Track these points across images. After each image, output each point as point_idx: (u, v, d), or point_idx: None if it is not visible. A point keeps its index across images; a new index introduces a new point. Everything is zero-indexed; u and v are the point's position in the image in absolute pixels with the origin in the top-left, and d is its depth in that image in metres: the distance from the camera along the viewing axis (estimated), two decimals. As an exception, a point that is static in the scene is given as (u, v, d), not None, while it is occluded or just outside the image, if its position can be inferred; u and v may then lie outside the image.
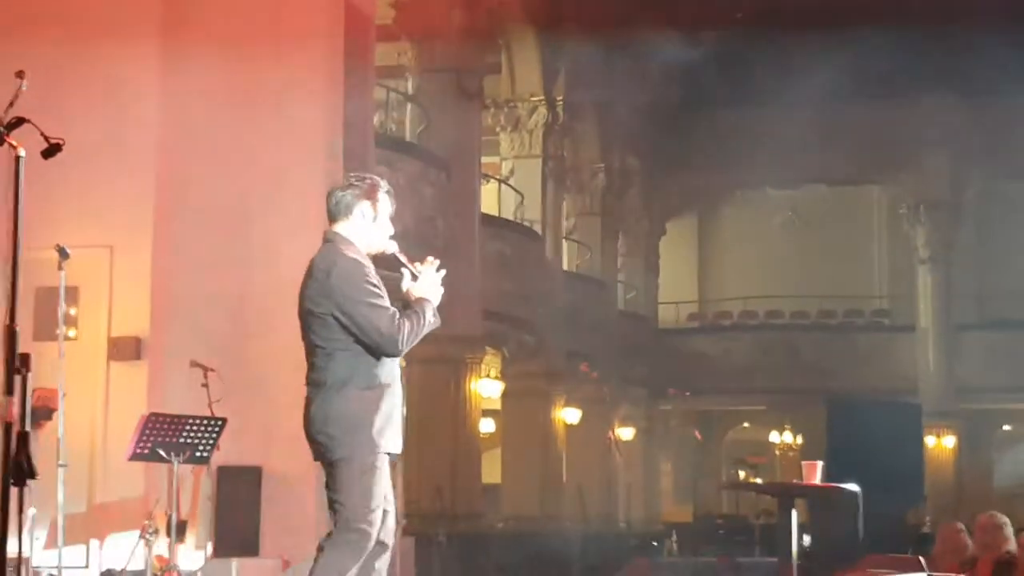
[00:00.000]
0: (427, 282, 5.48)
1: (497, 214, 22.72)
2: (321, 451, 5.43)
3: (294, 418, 11.12)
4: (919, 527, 20.18)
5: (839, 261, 31.88)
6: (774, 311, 31.76)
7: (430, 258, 5.54)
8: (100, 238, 11.08)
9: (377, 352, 5.33)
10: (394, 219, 5.62)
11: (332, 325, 5.34)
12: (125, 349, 11.15)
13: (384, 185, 5.59)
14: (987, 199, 31.15)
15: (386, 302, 5.33)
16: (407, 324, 5.30)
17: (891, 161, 29.84)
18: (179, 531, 9.15)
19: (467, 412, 19.46)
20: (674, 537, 20.51)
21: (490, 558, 16.26)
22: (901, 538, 14.10)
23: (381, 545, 5.41)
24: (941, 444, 29.27)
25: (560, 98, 25.69)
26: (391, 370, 5.44)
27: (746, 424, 33.49)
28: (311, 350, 5.47)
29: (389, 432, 5.38)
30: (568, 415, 24.45)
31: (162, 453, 8.89)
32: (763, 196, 33.17)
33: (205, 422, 9.17)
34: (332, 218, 5.54)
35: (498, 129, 25.67)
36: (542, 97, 25.50)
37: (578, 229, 28.25)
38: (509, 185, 24.46)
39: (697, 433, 25.00)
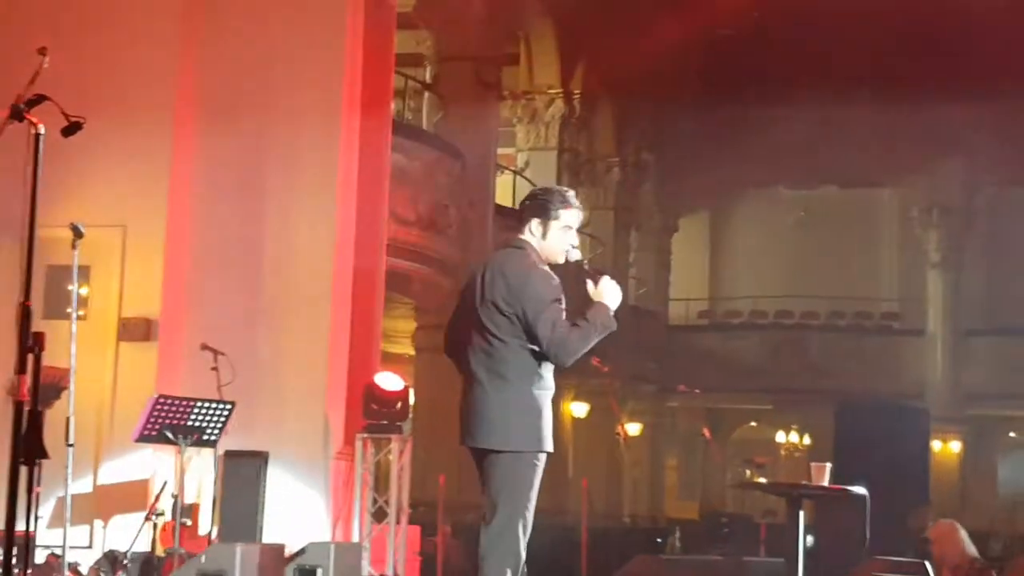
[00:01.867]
0: (607, 288, 5.64)
1: (512, 205, 22.69)
2: (491, 440, 5.60)
3: (303, 404, 11.26)
4: (922, 531, 20.15)
5: (850, 263, 31.85)
6: (784, 311, 31.71)
7: (607, 277, 5.70)
8: (113, 217, 11.04)
9: (551, 360, 5.56)
10: (570, 225, 5.76)
11: (517, 325, 5.55)
12: (135, 330, 11.12)
13: (562, 200, 5.75)
14: (999, 204, 31.11)
15: (562, 318, 5.51)
16: (575, 334, 5.48)
17: (904, 164, 29.78)
18: (184, 514, 9.17)
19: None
20: (678, 534, 20.49)
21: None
22: (904, 542, 14.05)
23: None
24: (947, 449, 29.26)
25: (577, 91, 25.70)
26: (550, 370, 5.64)
27: (753, 423, 33.47)
28: (489, 343, 5.62)
29: (548, 432, 5.64)
30: (576, 409, 24.45)
31: (169, 435, 8.90)
32: (776, 195, 33.15)
33: (213, 405, 9.18)
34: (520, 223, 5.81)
35: (514, 120, 25.70)
36: (560, 90, 25.53)
37: (591, 223, 28.22)
38: (524, 177, 24.45)
39: (706, 431, 24.95)
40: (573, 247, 5.75)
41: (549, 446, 5.62)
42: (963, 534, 9.24)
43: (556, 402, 5.94)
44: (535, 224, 5.70)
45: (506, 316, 5.56)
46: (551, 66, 25.30)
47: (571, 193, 5.86)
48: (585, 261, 5.79)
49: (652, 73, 26.47)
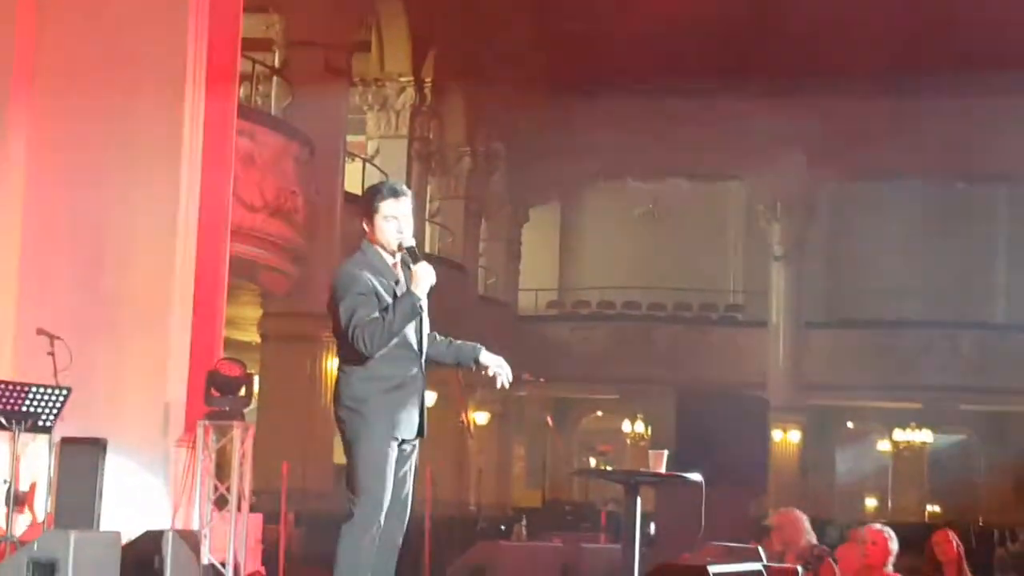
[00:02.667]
0: (417, 274, 5.84)
1: (361, 193, 22.58)
2: (340, 429, 5.91)
3: (144, 390, 11.09)
4: (762, 519, 20.53)
5: (697, 255, 32.26)
6: (631, 302, 32.05)
7: (422, 263, 5.92)
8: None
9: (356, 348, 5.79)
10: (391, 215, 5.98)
11: (336, 324, 5.88)
12: (-31, 315, 10.89)
13: (379, 193, 6.03)
14: (840, 199, 31.78)
15: (365, 309, 5.76)
16: (374, 325, 5.73)
17: (750, 159, 30.27)
18: (18, 501, 9.00)
19: (322, 390, 19.38)
20: (524, 522, 20.61)
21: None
22: (743, 529, 14.30)
23: (384, 539, 5.86)
24: (787, 439, 29.85)
25: (429, 80, 25.67)
26: (393, 362, 5.86)
27: (600, 413, 33.77)
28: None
29: (392, 417, 5.84)
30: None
31: (3, 421, 8.72)
32: (625, 187, 33.44)
33: (49, 391, 9.01)
34: None
35: (365, 108, 25.59)
36: (411, 78, 25.48)
37: (441, 212, 28.26)
38: (374, 165, 24.37)
39: (549, 419, 25.12)
40: (400, 233, 5.95)
41: (393, 432, 5.81)
42: (805, 522, 9.43)
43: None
44: (365, 222, 6.02)
45: (332, 312, 5.89)
46: (402, 54, 25.24)
47: (390, 184, 6.14)
48: (413, 247, 5.96)
49: (503, 63, 26.60)
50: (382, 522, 5.79)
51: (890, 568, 8.10)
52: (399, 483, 5.91)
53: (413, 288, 5.81)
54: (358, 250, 6.02)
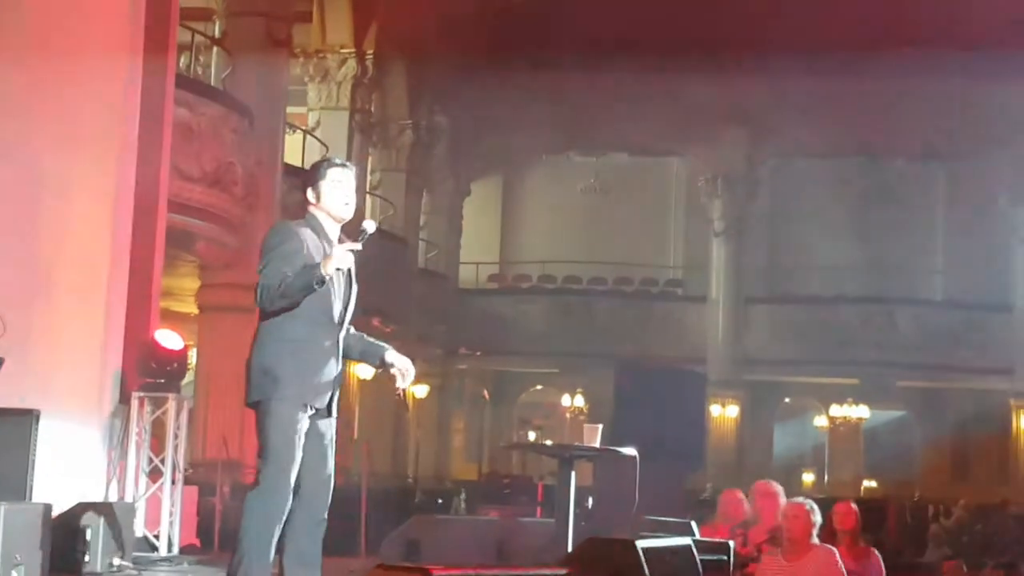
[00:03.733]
0: (334, 253, 5.82)
1: (301, 165, 22.51)
2: (247, 391, 5.90)
3: (78, 361, 11.00)
4: (699, 493, 20.68)
5: (638, 230, 32.36)
6: (572, 276, 32.12)
7: (340, 246, 5.91)
8: None
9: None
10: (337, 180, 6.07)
11: None
12: (-98, 283, 10.76)
13: (326, 162, 6.13)
14: (780, 176, 31.95)
15: (275, 265, 5.76)
16: (267, 282, 5.76)
17: (692, 134, 30.40)
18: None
19: (258, 362, 19.29)
20: (463, 495, 20.67)
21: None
22: (681, 504, 14.39)
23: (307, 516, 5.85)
24: (725, 414, 30.05)
25: (370, 52, 25.56)
26: (308, 327, 5.84)
27: (539, 386, 33.84)
28: None
29: (302, 383, 5.81)
30: (360, 371, 24.41)
31: (-66, 391, 8.63)
32: (567, 162, 33.50)
33: (-19, 361, 8.92)
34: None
35: (306, 79, 25.46)
36: (352, 49, 25.35)
37: (382, 185, 28.19)
38: (314, 136, 24.26)
39: (485, 393, 25.18)
40: (347, 204, 6.03)
41: (301, 398, 5.80)
42: (781, 497, 9.51)
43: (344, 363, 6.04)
44: (310, 193, 6.05)
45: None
46: (344, 25, 25.11)
47: (335, 157, 6.35)
48: (366, 232, 5.92)
49: (446, 35, 26.52)
50: (290, 489, 5.74)
51: (815, 539, 8.23)
52: (319, 458, 5.87)
53: (323, 264, 5.76)
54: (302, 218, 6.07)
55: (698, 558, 6.60)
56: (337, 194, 5.98)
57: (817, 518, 8.20)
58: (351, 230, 6.06)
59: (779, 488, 9.61)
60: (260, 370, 5.81)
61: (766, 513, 9.35)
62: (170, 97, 13.08)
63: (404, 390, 6.36)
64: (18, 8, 11.06)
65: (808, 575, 8.04)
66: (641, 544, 5.81)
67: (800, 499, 8.48)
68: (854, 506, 9.46)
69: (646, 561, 5.69)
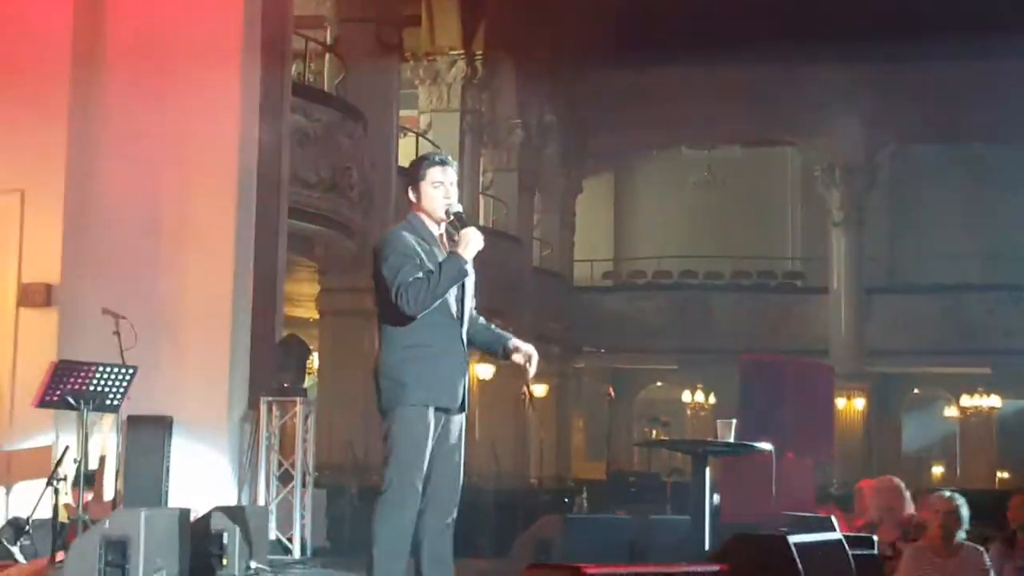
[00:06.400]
0: (464, 238, 5.84)
1: (412, 167, 22.58)
2: (377, 396, 5.90)
3: (207, 368, 11.13)
4: (828, 487, 20.42)
5: (753, 222, 32.08)
6: (688, 271, 31.87)
7: (471, 228, 5.89)
8: (10, 183, 10.88)
9: (399, 308, 5.76)
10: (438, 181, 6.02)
11: (379, 288, 5.87)
12: (35, 296, 10.96)
13: (425, 161, 6.07)
14: (900, 163, 31.47)
15: (409, 268, 5.73)
16: (414, 288, 5.70)
17: (806, 123, 30.02)
18: (87, 480, 9.04)
19: (380, 365, 19.38)
20: (585, 494, 20.57)
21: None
22: (810, 498, 14.21)
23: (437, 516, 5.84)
24: (852, 406, 29.61)
25: (479, 52, 25.60)
26: (429, 329, 5.81)
27: (659, 383, 33.66)
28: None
29: (429, 386, 5.78)
30: (481, 371, 24.44)
31: (71, 400, 8.75)
32: (679, 156, 33.30)
33: (115, 370, 9.04)
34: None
35: (416, 82, 25.57)
36: (461, 51, 25.42)
37: (495, 184, 28.19)
38: (426, 139, 24.34)
39: (610, 390, 25.04)
40: (448, 199, 5.98)
41: (430, 401, 5.78)
42: (905, 491, 9.35)
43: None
44: (411, 192, 6.02)
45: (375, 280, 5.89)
46: (453, 27, 25.17)
47: (436, 153, 6.20)
48: (460, 212, 5.95)
49: (554, 34, 26.48)
50: (419, 494, 5.73)
51: (962, 536, 7.97)
52: (447, 457, 5.87)
53: (460, 251, 5.79)
54: (404, 220, 6.04)
55: (850, 553, 6.47)
56: (437, 194, 5.95)
57: (965, 512, 7.94)
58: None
59: (901, 483, 9.44)
60: (386, 377, 5.81)
61: (896, 508, 9.18)
62: (287, 104, 13.19)
63: (529, 391, 6.33)
64: (143, 21, 11.21)
65: (956, 573, 7.80)
66: (793, 539, 5.69)
67: (948, 492, 8.23)
68: None
69: (799, 557, 5.58)
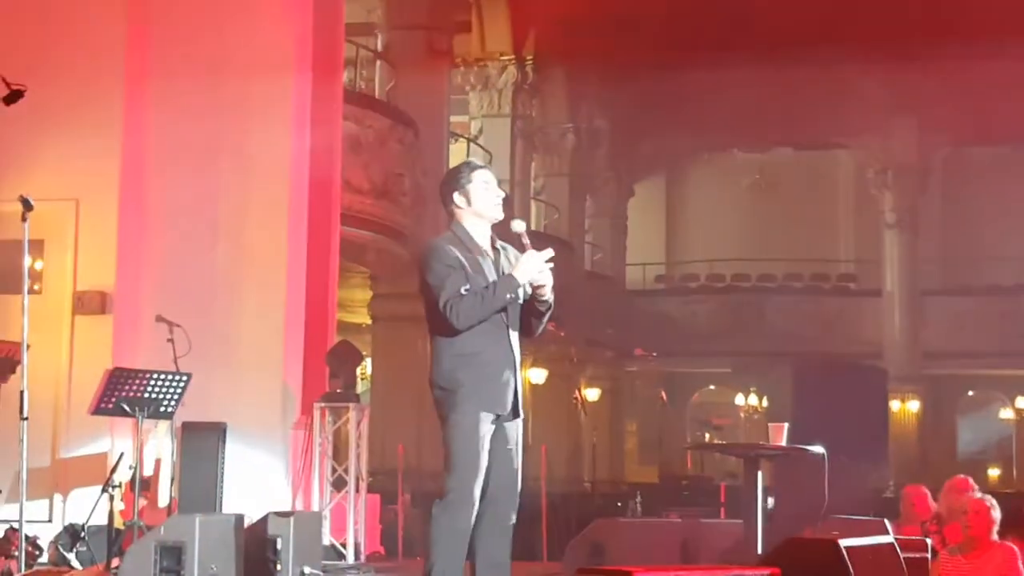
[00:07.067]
0: (523, 261, 5.84)
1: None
2: (436, 406, 5.92)
3: (260, 374, 11.22)
4: (882, 491, 20.26)
5: (806, 225, 31.93)
6: (741, 274, 31.77)
7: (530, 251, 5.87)
8: (66, 191, 11.00)
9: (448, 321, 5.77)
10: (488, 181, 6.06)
11: (426, 299, 5.89)
12: (90, 303, 11.09)
13: (468, 166, 6.15)
14: (953, 165, 31.24)
15: (454, 282, 5.75)
16: (465, 304, 5.73)
17: (859, 125, 29.87)
18: (142, 486, 9.12)
19: (433, 370, 19.43)
20: (638, 498, 20.52)
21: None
22: (864, 502, 14.11)
23: (495, 520, 5.84)
24: (905, 409, 29.40)
25: (530, 57, 25.64)
26: (480, 336, 5.81)
27: (712, 386, 33.56)
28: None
29: (482, 393, 5.80)
30: (533, 375, 24.46)
31: (126, 408, 8.84)
32: (730, 159, 33.20)
33: (170, 377, 9.12)
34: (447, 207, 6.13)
35: (467, 88, 25.63)
36: (512, 56, 25.46)
37: (546, 189, 28.23)
38: (478, 144, 24.40)
39: (663, 394, 24.99)
40: (497, 204, 6.03)
41: (483, 407, 5.79)
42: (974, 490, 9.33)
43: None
44: (458, 197, 6.01)
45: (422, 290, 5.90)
46: (503, 32, 25.22)
47: (472, 160, 6.38)
48: (524, 238, 5.92)
49: (604, 38, 26.44)
50: (476, 499, 5.75)
51: (995, 537, 8.00)
52: (505, 463, 5.88)
53: (516, 273, 5.82)
54: (448, 231, 6.05)
55: (902, 557, 6.44)
56: (489, 195, 5.99)
57: (997, 514, 7.97)
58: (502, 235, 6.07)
59: (973, 483, 9.39)
60: (440, 386, 5.84)
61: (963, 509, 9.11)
62: (339, 111, 13.25)
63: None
64: (195, 32, 11.31)
65: (988, 573, 7.81)
66: (844, 543, 5.67)
67: (979, 494, 8.26)
68: None
69: (850, 561, 5.56)
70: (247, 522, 8.71)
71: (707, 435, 24.83)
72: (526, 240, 5.89)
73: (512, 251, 6.03)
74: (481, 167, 6.08)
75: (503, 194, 6.10)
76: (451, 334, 5.80)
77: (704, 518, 12.10)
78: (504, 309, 5.88)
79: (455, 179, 6.04)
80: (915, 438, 29.51)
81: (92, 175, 11.14)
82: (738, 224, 32.37)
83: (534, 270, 5.81)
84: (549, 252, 5.87)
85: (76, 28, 11.12)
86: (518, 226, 5.93)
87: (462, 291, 5.74)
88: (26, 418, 6.74)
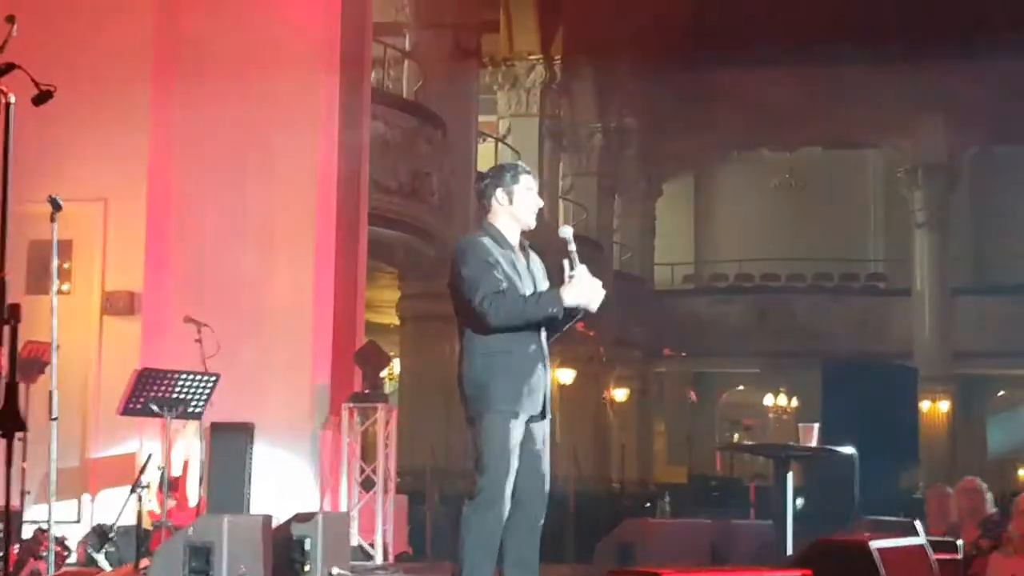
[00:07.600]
0: (575, 282, 5.74)
1: (492, 172, 22.60)
2: (463, 406, 5.87)
3: (288, 375, 11.21)
4: (912, 491, 20.16)
5: (835, 224, 31.81)
6: (770, 273, 31.69)
7: (583, 269, 5.78)
8: (94, 192, 11.01)
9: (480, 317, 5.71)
10: (532, 188, 6.01)
11: (458, 295, 5.82)
12: (119, 304, 11.11)
13: (517, 167, 6.06)
14: (983, 163, 31.08)
15: (491, 278, 5.68)
16: (505, 304, 5.66)
17: (888, 124, 29.74)
18: (171, 487, 9.13)
19: (461, 370, 19.43)
20: (667, 498, 20.47)
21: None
22: (894, 502, 14.04)
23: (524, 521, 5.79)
24: (936, 409, 29.26)
25: (558, 57, 25.60)
26: (511, 336, 5.74)
27: (741, 387, 33.47)
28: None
29: (513, 393, 5.73)
30: (562, 375, 24.43)
31: (155, 408, 8.85)
32: (760, 158, 33.09)
33: (198, 378, 9.13)
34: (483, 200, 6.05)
35: (495, 87, 25.61)
36: (540, 56, 25.42)
37: (574, 189, 28.20)
38: (506, 143, 24.37)
39: (692, 394, 24.92)
40: (535, 212, 5.98)
41: (515, 407, 5.74)
42: (987, 491, 9.29)
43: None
44: (500, 194, 5.93)
45: (451, 287, 5.85)
46: (531, 32, 25.19)
47: (521, 164, 6.20)
48: (571, 244, 5.81)
49: (633, 37, 26.38)
50: (508, 500, 5.70)
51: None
52: (534, 461, 5.83)
53: (565, 292, 5.71)
54: (480, 229, 5.98)
55: (933, 558, 6.39)
56: (530, 201, 5.94)
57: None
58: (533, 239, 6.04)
59: (984, 484, 9.34)
60: (471, 385, 5.78)
61: (977, 510, 9.09)
62: (367, 111, 13.25)
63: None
64: (223, 31, 11.31)
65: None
66: (875, 544, 5.63)
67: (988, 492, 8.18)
68: None
69: (882, 563, 5.52)
70: (275, 523, 8.71)
71: (736, 435, 24.74)
72: (572, 247, 5.79)
73: (535, 258, 6.02)
74: (528, 172, 6.03)
75: (542, 203, 6.06)
76: (483, 331, 5.73)
77: (734, 519, 12.08)
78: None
79: (501, 176, 5.97)
80: (945, 438, 29.36)
81: (120, 175, 11.16)
82: (767, 224, 32.26)
83: (584, 295, 5.74)
84: (598, 283, 5.79)
85: (104, 28, 11.13)
86: (565, 232, 5.86)
87: (501, 288, 5.69)
88: (55, 418, 6.72)
